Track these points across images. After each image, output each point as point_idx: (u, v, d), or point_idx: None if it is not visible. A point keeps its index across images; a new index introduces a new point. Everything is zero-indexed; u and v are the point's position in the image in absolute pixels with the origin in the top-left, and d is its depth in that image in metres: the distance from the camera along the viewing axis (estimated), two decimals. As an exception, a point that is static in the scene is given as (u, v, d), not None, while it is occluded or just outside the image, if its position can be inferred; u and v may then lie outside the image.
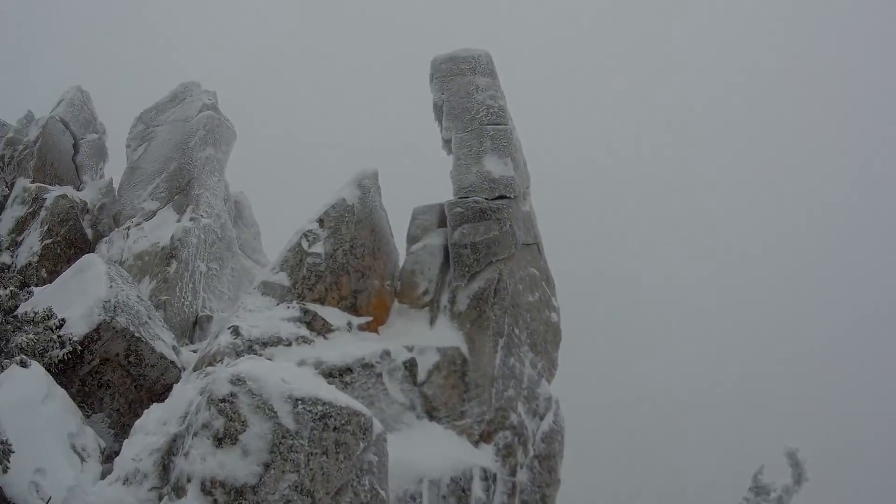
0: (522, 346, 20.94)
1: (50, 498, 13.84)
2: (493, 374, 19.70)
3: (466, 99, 22.67)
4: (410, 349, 19.00)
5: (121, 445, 16.85)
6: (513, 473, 19.23)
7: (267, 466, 12.92)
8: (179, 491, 13.25)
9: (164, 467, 14.71)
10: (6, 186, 31.68)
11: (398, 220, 21.88)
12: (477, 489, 17.67)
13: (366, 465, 14.27)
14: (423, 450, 17.25)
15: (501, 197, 20.91)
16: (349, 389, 16.77)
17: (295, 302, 18.79)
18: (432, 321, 20.08)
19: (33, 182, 31.81)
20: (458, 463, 17.64)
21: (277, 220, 40.43)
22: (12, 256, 18.57)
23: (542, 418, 21.01)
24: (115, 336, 18.49)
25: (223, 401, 13.32)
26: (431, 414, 18.62)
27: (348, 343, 18.61)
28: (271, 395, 13.46)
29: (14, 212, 30.56)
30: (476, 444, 18.84)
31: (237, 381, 13.46)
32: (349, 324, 19.26)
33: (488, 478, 18.20)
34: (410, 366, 18.74)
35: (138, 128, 34.10)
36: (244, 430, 13.10)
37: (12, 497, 13.68)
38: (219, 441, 13.07)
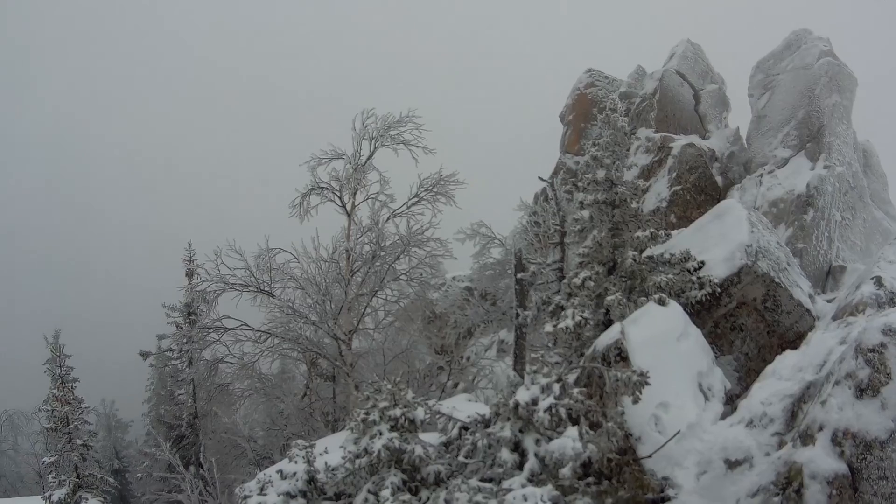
0: None
1: (678, 432, 14.43)
2: None
3: None
4: None
5: (742, 389, 17.17)
6: None
7: (901, 423, 12.34)
8: (807, 439, 13.11)
9: (793, 414, 14.62)
10: (630, 135, 33.04)
11: None
12: None
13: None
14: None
15: None
16: None
17: (934, 255, 17.95)
18: None
19: (656, 132, 33.15)
20: None
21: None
22: (638, 202, 19.64)
23: None
24: (754, 280, 18.93)
25: (872, 350, 12.85)
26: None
27: None
28: (921, 349, 12.78)
29: (638, 160, 32.21)
30: None
31: (889, 331, 12.86)
32: None
33: None
34: None
35: (757, 77, 34.06)
36: (887, 383, 12.53)
37: (629, 427, 14.50)
38: (860, 392, 12.68)
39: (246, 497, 15.07)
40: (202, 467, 27.28)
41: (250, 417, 34.11)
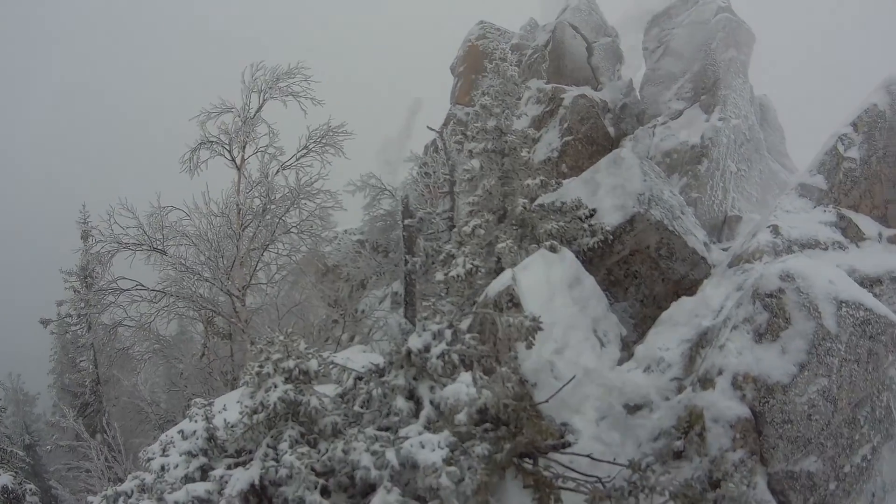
0: None
1: (574, 377, 14.20)
2: None
3: None
4: (933, 266, 17.80)
5: (639, 335, 17.20)
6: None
7: (802, 367, 12.48)
8: (706, 383, 13.21)
9: (691, 359, 14.70)
10: (521, 86, 33.04)
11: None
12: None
13: (887, 381, 13.45)
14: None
15: None
16: (876, 301, 15.87)
17: (831, 206, 18.09)
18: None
19: (548, 83, 32.99)
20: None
21: (797, 124, 38.76)
22: (529, 152, 19.53)
23: None
24: (647, 228, 18.87)
25: (770, 296, 13.04)
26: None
27: (879, 253, 17.52)
28: (817, 295, 12.95)
29: (529, 110, 31.95)
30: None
31: (787, 277, 13.09)
32: (879, 234, 18.17)
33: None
34: (933, 283, 17.58)
35: (653, 31, 34.21)
36: (786, 328, 12.74)
37: (524, 373, 14.34)
38: (759, 336, 12.86)
39: (149, 459, 14.75)
40: (107, 433, 26.59)
41: (151, 381, 33.66)
